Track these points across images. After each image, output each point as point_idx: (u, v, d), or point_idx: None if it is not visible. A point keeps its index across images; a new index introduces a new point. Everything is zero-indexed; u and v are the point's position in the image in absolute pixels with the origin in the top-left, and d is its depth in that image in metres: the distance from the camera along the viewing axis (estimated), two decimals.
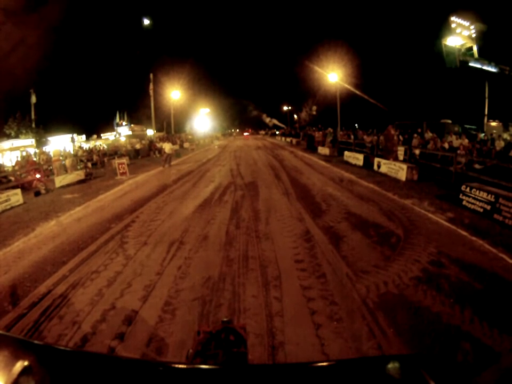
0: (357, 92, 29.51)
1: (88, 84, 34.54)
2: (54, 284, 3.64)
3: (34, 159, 15.60)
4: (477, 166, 9.16)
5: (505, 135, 14.62)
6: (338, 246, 4.41)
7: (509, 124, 20.45)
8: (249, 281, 3.51)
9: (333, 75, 24.37)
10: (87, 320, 2.90)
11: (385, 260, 3.93)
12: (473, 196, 6.19)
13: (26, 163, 13.70)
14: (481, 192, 6.00)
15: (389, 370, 0.51)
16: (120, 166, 12.34)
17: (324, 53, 27.26)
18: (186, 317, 2.90)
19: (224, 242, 4.71)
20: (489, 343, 2.43)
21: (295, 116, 52.40)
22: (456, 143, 11.39)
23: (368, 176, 10.15)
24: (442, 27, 35.92)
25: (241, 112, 70.51)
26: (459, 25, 36.09)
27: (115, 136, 35.24)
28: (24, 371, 0.46)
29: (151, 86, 27.42)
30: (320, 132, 23.29)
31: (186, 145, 28.36)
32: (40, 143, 22.78)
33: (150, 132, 32.62)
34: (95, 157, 17.67)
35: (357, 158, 13.31)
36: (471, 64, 35.41)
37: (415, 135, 13.93)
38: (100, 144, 24.79)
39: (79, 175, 11.90)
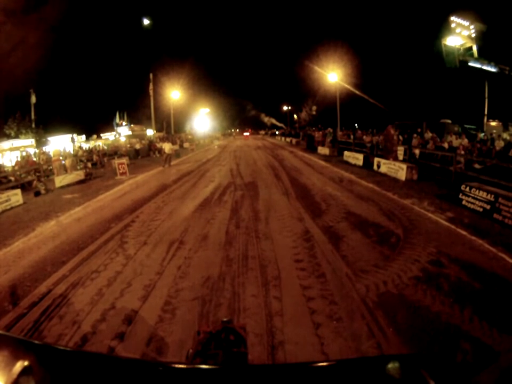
0: (357, 92, 29.57)
1: (88, 84, 34.60)
2: (54, 284, 3.64)
3: (34, 159, 15.57)
4: (476, 165, 9.16)
5: (505, 135, 14.66)
6: (338, 246, 4.41)
7: (509, 124, 20.51)
8: (249, 280, 3.51)
9: (332, 75, 24.42)
10: (87, 319, 2.91)
11: (384, 260, 3.94)
12: (472, 195, 6.19)
13: (26, 163, 13.70)
14: (481, 192, 6.00)
15: (388, 370, 0.51)
16: (120, 166, 12.33)
17: (324, 53, 27.35)
18: (186, 316, 2.90)
19: (224, 242, 4.71)
20: (489, 342, 2.43)
21: (295, 116, 52.45)
22: (455, 143, 11.39)
23: (368, 176, 10.15)
24: (442, 27, 35.88)
25: (241, 112, 70.77)
26: (459, 25, 36.03)
27: (115, 136, 35.09)
28: (24, 371, 0.46)
29: (151, 86, 27.44)
30: (320, 132, 23.32)
31: (186, 145, 28.34)
32: (40, 143, 22.67)
33: (150, 132, 32.56)
34: (95, 157, 17.64)
35: (356, 158, 13.32)
36: (470, 64, 35.36)
37: (415, 135, 13.92)
38: (100, 145, 24.75)
39: (79, 175, 11.89)
